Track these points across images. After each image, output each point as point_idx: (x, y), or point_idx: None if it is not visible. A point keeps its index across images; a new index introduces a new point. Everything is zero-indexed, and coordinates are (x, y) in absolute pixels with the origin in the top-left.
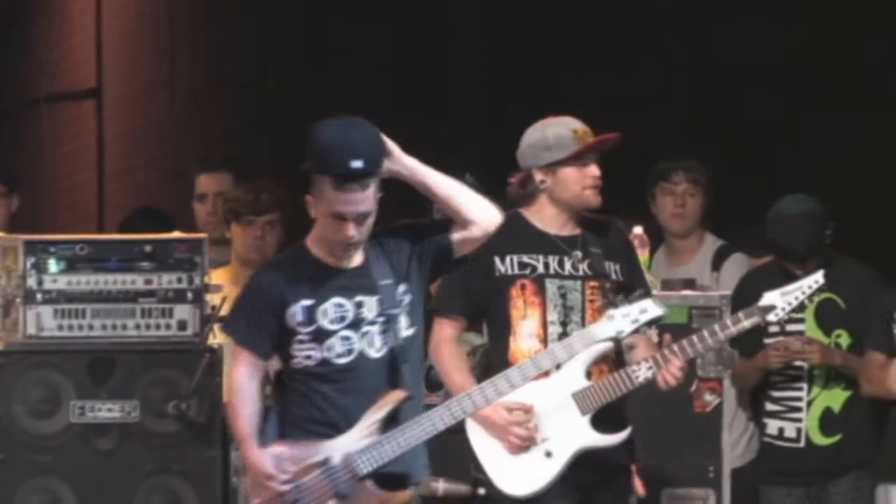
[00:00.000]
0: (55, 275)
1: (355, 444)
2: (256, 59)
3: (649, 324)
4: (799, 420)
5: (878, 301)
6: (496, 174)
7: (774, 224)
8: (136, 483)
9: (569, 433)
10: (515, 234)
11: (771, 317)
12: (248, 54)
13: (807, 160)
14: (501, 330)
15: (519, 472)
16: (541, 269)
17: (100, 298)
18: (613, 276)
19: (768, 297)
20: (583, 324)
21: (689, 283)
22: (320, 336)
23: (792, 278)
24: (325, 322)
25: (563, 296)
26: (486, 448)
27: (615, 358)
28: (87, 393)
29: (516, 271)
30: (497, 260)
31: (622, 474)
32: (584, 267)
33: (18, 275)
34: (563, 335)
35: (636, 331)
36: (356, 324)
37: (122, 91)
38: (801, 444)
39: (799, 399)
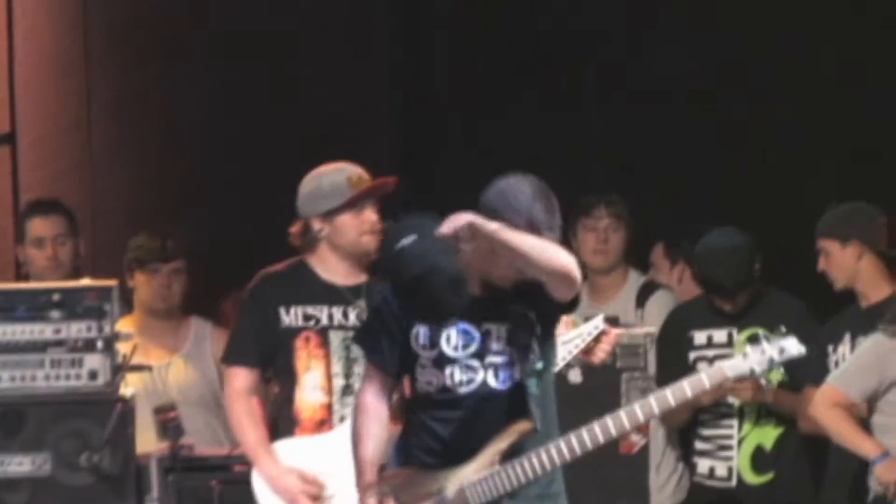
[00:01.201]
0: None
1: (472, 475)
2: (175, 101)
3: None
4: (730, 458)
5: (810, 335)
6: None
7: (702, 258)
8: None
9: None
10: (300, 284)
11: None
12: (168, 96)
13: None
14: (287, 381)
15: None
16: (325, 320)
17: (8, 349)
18: None
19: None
20: None
21: (613, 321)
22: (441, 362)
23: (720, 314)
24: (447, 348)
25: (348, 347)
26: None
27: None
28: None
29: (300, 323)
30: (282, 311)
31: None
32: None
33: None
34: (347, 388)
35: (770, 369)
36: (481, 353)
37: (37, 135)
38: (733, 483)
39: (730, 437)
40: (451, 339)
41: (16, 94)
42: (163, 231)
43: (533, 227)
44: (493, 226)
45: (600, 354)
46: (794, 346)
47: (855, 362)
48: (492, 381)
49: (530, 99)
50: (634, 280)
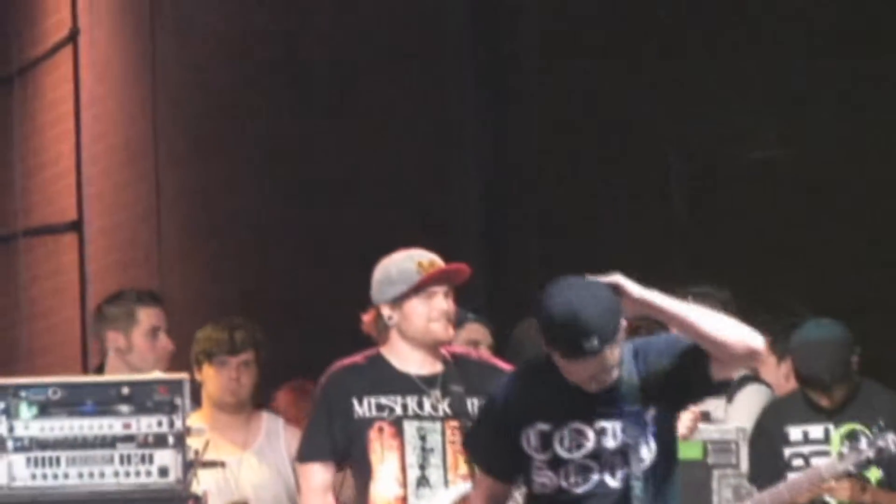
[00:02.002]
0: (27, 420)
1: None
2: (244, 193)
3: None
4: None
5: None
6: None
7: (798, 351)
8: None
9: None
10: (373, 375)
11: None
12: (236, 187)
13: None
14: (362, 474)
15: None
16: (399, 410)
17: (75, 445)
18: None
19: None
20: (443, 465)
21: (704, 416)
22: (556, 464)
23: (816, 409)
24: (561, 450)
25: (423, 437)
26: None
27: None
28: None
29: (374, 414)
30: (355, 402)
31: None
32: (443, 406)
33: None
34: (423, 479)
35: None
36: (597, 453)
37: (106, 223)
38: None
39: None
40: (565, 441)
41: (83, 181)
42: (231, 323)
43: None
44: (647, 292)
45: (683, 431)
46: (893, 444)
47: None
48: (609, 481)
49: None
50: None
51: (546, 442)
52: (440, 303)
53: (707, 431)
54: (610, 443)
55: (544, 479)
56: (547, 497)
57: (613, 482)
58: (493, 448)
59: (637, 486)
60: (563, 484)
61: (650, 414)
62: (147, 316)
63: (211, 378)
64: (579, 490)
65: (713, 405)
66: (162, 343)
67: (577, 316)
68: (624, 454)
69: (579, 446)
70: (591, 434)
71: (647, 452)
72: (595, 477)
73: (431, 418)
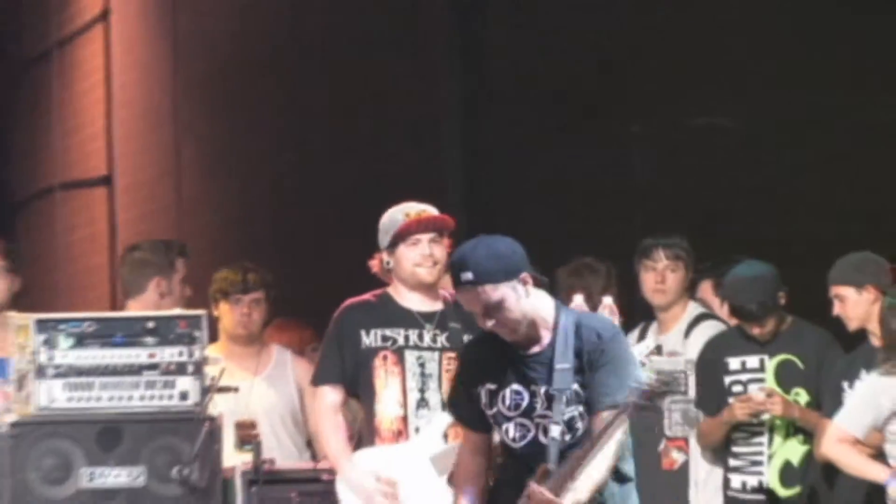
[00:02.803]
0: (65, 350)
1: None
2: (255, 152)
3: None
4: (760, 473)
5: (830, 365)
6: None
7: (730, 287)
8: None
9: (427, 495)
10: (380, 311)
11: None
12: (248, 147)
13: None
14: (368, 397)
15: None
16: (401, 341)
17: (107, 372)
18: None
19: None
20: (440, 390)
21: (657, 349)
22: (501, 420)
23: (752, 341)
24: (503, 408)
25: (422, 365)
26: None
27: None
28: (96, 460)
29: (379, 343)
30: (363, 333)
31: None
32: (441, 339)
33: (31, 351)
34: (422, 401)
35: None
36: (529, 412)
37: (132, 179)
38: (763, 496)
39: (760, 453)
40: (506, 400)
41: (113, 142)
42: (244, 266)
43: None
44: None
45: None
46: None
47: (853, 400)
48: (541, 438)
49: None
50: (690, 312)
51: (492, 400)
52: (423, 248)
53: (658, 362)
54: (539, 403)
55: (498, 433)
56: (505, 448)
57: (544, 440)
58: (463, 403)
59: (555, 430)
60: (507, 439)
61: (577, 378)
62: (182, 266)
63: (226, 314)
64: (519, 445)
65: (672, 340)
66: (186, 291)
67: (463, 252)
68: (550, 409)
69: (517, 406)
70: (525, 395)
71: (569, 406)
72: (530, 434)
73: (430, 349)
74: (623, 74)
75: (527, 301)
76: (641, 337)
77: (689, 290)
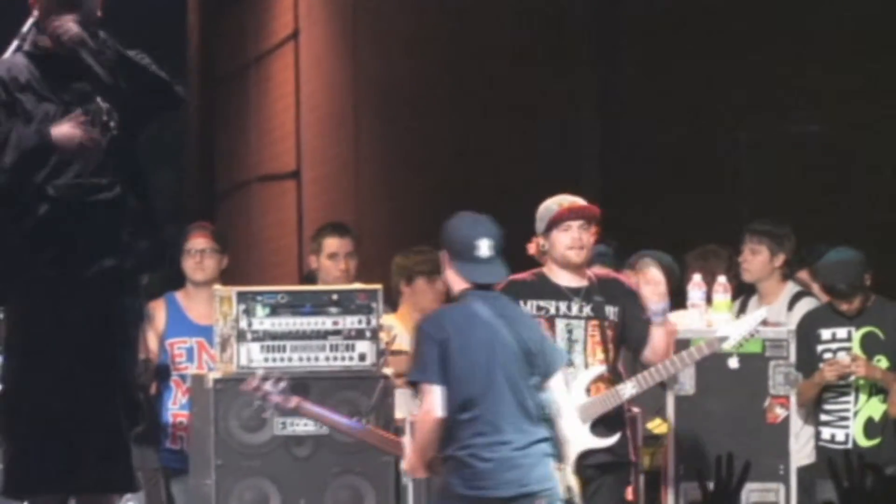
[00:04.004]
0: (262, 318)
1: None
2: (426, 149)
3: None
4: (847, 427)
5: None
6: None
7: (823, 270)
8: (327, 482)
9: (573, 438)
10: (536, 286)
11: (725, 345)
12: (420, 145)
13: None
14: None
15: None
16: (552, 311)
17: (297, 336)
18: (611, 318)
19: (723, 330)
20: (584, 352)
21: (764, 322)
22: None
23: (841, 315)
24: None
25: (570, 331)
26: None
27: (609, 377)
28: (288, 411)
29: (534, 312)
30: (521, 304)
31: (619, 467)
32: (587, 310)
33: (233, 318)
34: (569, 361)
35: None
36: None
37: (317, 173)
38: (850, 446)
39: (847, 410)
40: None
41: (301, 141)
42: (425, 250)
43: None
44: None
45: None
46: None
47: None
48: None
49: None
50: (789, 290)
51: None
52: (574, 233)
53: (765, 332)
54: None
55: None
56: None
57: None
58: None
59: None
60: None
61: None
62: (329, 244)
63: (424, 291)
64: None
65: (775, 312)
66: (341, 266)
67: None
68: None
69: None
70: None
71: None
72: None
73: (577, 318)
74: (728, 91)
75: None
76: (742, 307)
77: (785, 270)
